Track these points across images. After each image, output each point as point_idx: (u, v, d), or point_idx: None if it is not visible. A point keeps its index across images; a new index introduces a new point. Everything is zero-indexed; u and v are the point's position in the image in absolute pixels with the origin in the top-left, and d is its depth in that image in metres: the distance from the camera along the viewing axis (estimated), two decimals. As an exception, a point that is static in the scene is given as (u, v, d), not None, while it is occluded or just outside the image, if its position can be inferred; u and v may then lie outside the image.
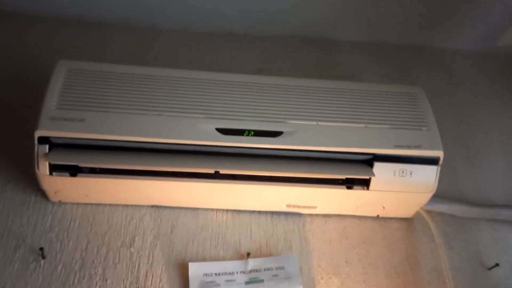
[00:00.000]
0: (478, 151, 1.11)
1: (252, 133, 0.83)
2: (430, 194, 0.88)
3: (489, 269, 0.92)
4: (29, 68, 1.08)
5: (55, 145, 0.80)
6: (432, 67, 1.28)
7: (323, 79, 0.94)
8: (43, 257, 0.82)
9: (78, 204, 0.90)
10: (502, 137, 1.15)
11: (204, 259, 0.87)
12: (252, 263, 0.86)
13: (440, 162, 0.86)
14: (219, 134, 0.82)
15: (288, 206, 0.92)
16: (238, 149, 0.83)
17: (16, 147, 0.95)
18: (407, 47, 1.31)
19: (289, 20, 1.25)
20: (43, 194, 0.89)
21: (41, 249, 0.82)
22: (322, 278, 0.88)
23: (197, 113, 0.84)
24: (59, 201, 0.89)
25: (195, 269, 0.85)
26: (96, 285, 0.82)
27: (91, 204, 0.90)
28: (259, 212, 0.95)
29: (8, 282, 0.79)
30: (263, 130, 0.84)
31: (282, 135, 0.84)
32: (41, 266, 0.82)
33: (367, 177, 0.85)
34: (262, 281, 0.85)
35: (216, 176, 0.84)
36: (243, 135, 0.83)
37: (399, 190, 0.87)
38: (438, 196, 0.92)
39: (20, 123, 0.96)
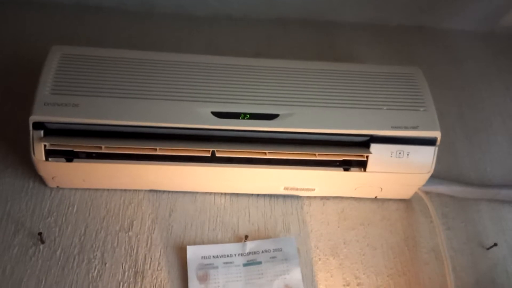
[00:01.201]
0: (478, 132, 1.10)
1: (248, 116, 0.83)
2: (428, 175, 0.87)
3: (488, 249, 0.92)
4: (26, 54, 1.07)
5: (50, 131, 0.80)
6: (433, 48, 1.27)
7: (318, 61, 0.93)
8: (42, 242, 0.83)
9: (76, 189, 0.90)
10: (503, 117, 1.13)
11: (202, 242, 0.88)
12: (250, 245, 0.87)
13: (438, 142, 0.85)
14: (215, 117, 0.82)
15: (286, 189, 0.92)
16: (234, 132, 0.82)
17: (14, 133, 0.95)
18: (408, 28, 1.30)
19: (289, 2, 1.24)
20: (41, 180, 0.89)
21: (40, 234, 0.83)
22: (320, 259, 0.88)
23: (193, 97, 0.83)
24: (57, 187, 0.90)
25: (193, 252, 0.85)
26: (95, 269, 0.82)
27: (89, 189, 0.91)
28: (257, 195, 0.95)
29: (8, 267, 0.81)
30: (259, 113, 0.83)
31: (278, 118, 0.83)
32: (40, 251, 0.83)
33: (363, 157, 0.84)
34: (260, 263, 0.85)
35: (213, 159, 0.84)
36: (239, 118, 0.83)
37: (396, 171, 0.86)
38: (437, 177, 0.92)
39: (18, 109, 0.97)
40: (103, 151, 0.80)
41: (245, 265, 0.85)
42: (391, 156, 0.85)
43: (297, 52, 1.20)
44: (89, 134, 0.80)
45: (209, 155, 0.82)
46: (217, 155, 0.82)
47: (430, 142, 0.85)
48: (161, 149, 0.81)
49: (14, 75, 1.05)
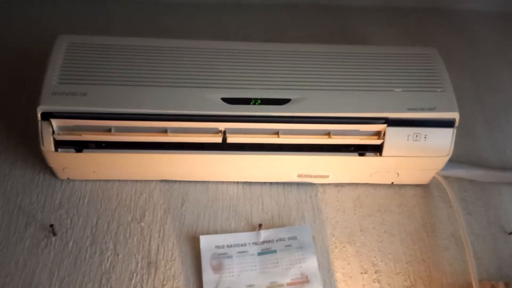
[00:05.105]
0: (497, 114, 1.07)
1: (259, 101, 0.81)
2: (446, 158, 0.85)
3: (510, 233, 0.89)
4: (34, 45, 1.07)
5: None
6: (448, 29, 1.24)
7: (331, 44, 0.91)
8: (54, 234, 0.83)
9: (86, 180, 0.89)
10: (523, 98, 1.10)
11: (215, 232, 0.86)
12: (264, 234, 0.85)
13: (456, 124, 0.82)
14: (225, 103, 0.80)
15: (300, 176, 0.90)
16: (245, 118, 0.80)
17: (23, 125, 0.95)
18: (422, 9, 1.26)
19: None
20: (51, 172, 0.88)
21: (52, 226, 0.82)
22: (336, 247, 0.86)
23: (202, 83, 0.81)
24: (68, 178, 0.89)
25: (206, 242, 0.84)
26: (107, 260, 0.81)
27: (100, 180, 0.90)
28: (271, 183, 0.93)
29: (20, 259, 0.80)
30: (270, 98, 0.81)
31: (290, 103, 0.81)
32: (52, 243, 0.82)
33: (379, 138, 0.82)
34: (275, 251, 0.83)
35: (224, 146, 0.82)
36: (249, 103, 0.81)
37: (413, 155, 0.83)
38: (456, 160, 0.89)
39: (26, 100, 0.95)
40: (112, 137, 0.79)
41: (259, 254, 0.83)
42: (408, 140, 0.82)
43: (308, 37, 1.18)
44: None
45: (220, 140, 0.80)
46: (228, 141, 0.80)
47: (448, 124, 0.82)
48: (171, 130, 0.80)
49: (22, 65, 1.04)
